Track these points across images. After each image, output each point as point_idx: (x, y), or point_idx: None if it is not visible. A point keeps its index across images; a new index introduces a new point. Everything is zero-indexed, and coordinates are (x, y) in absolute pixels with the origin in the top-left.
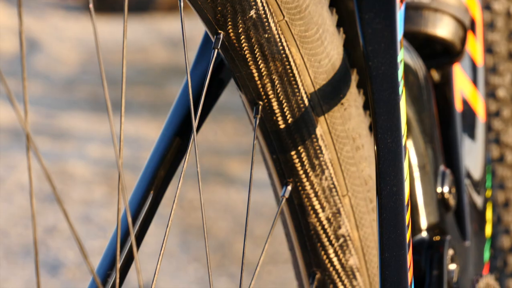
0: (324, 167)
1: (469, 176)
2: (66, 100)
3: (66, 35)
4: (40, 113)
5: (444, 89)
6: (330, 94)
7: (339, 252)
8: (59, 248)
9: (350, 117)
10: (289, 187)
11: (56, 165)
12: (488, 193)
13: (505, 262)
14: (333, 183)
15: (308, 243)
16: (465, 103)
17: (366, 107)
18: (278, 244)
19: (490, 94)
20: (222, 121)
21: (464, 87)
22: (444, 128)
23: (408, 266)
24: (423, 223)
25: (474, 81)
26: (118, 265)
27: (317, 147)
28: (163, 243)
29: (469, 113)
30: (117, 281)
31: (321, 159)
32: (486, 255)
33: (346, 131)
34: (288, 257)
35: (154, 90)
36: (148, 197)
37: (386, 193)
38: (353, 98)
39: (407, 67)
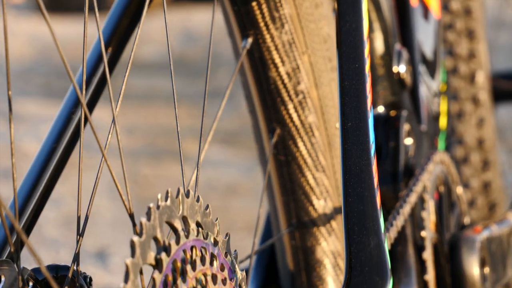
0: (284, 21)
1: (423, 60)
2: (20, 89)
3: (18, 32)
4: None
5: None
6: None
7: (298, 108)
8: None
9: None
10: (250, 39)
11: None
12: (443, 87)
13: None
14: (292, 39)
15: (268, 98)
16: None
17: None
18: None
19: (443, 6)
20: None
21: None
22: (400, 10)
23: (368, 94)
24: (380, 98)
25: None
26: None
27: (277, 0)
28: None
29: (423, 8)
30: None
31: (281, 12)
32: (441, 144)
33: None
34: None
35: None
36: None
37: (346, 29)
38: None
39: None
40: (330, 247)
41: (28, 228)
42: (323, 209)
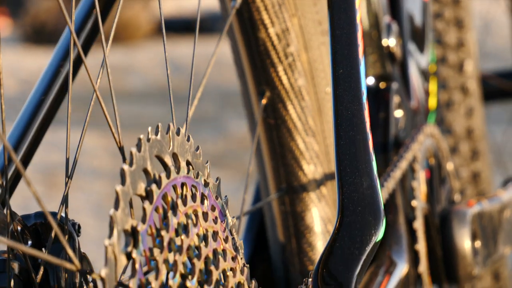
0: None
1: (413, 34)
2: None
3: (4, 64)
4: None
5: None
6: None
7: (288, 70)
8: None
9: None
10: None
11: None
12: (432, 67)
13: None
14: (282, 0)
15: (258, 60)
16: None
17: None
18: None
19: None
20: None
21: None
22: None
23: (359, 42)
24: (370, 70)
25: None
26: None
27: None
28: None
29: None
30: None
31: None
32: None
33: None
34: None
35: None
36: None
37: None
38: None
39: None
40: (320, 213)
41: (16, 178)
42: (313, 175)
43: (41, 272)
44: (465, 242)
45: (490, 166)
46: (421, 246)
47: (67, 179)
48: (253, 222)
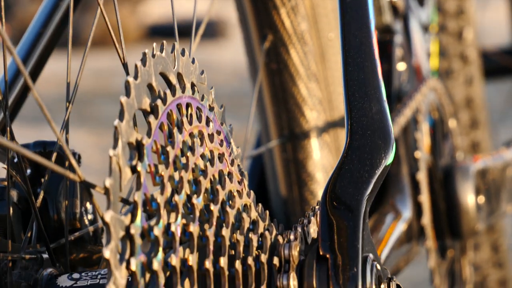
0: None
1: None
2: None
3: None
4: None
5: None
6: None
7: (291, 13)
8: None
9: None
10: None
11: None
12: (433, 27)
13: None
14: None
15: (260, 2)
16: None
17: None
18: None
19: None
20: None
21: None
22: None
23: None
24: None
25: None
26: None
27: None
28: None
29: None
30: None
31: None
32: None
33: None
34: None
35: None
36: None
37: None
38: None
39: None
40: (322, 161)
41: (16, 106)
42: (316, 121)
43: (40, 199)
44: (468, 197)
45: (489, 135)
46: (424, 198)
47: (67, 103)
48: (253, 174)
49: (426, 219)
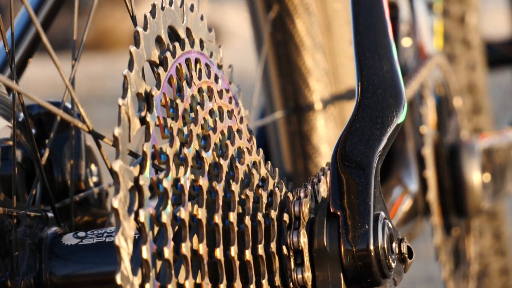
0: None
1: None
2: None
3: None
4: None
5: None
6: None
7: None
8: None
9: None
10: None
11: None
12: (437, 6)
13: None
14: None
15: None
16: None
17: None
18: None
19: None
20: None
21: None
22: None
23: None
24: None
25: None
26: None
27: None
28: None
29: None
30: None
31: None
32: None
33: None
34: None
35: None
36: None
37: None
38: None
39: None
40: (327, 133)
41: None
42: (321, 93)
43: (45, 157)
44: (474, 174)
45: (492, 121)
46: (430, 174)
47: (73, 61)
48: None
49: (432, 195)
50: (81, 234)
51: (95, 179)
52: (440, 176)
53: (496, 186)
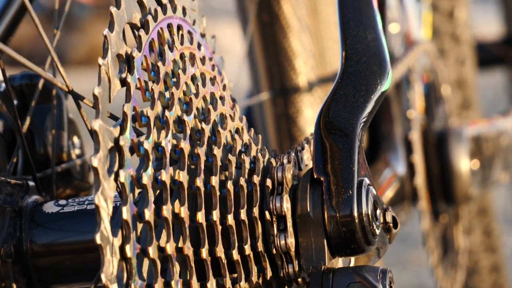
0: None
1: None
2: None
3: None
4: None
5: None
6: None
7: None
8: None
9: None
10: None
11: None
12: None
13: None
14: None
15: None
16: None
17: None
18: None
19: None
20: None
21: None
22: None
23: None
24: None
25: None
26: None
27: None
28: None
29: None
30: None
31: None
32: None
33: None
34: None
35: None
36: None
37: None
38: None
39: None
40: (314, 116)
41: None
42: (308, 76)
43: (26, 126)
44: (462, 161)
45: (481, 117)
46: (418, 158)
47: (54, 30)
48: None
49: (419, 180)
50: (62, 202)
51: (77, 151)
52: (428, 162)
53: (485, 173)
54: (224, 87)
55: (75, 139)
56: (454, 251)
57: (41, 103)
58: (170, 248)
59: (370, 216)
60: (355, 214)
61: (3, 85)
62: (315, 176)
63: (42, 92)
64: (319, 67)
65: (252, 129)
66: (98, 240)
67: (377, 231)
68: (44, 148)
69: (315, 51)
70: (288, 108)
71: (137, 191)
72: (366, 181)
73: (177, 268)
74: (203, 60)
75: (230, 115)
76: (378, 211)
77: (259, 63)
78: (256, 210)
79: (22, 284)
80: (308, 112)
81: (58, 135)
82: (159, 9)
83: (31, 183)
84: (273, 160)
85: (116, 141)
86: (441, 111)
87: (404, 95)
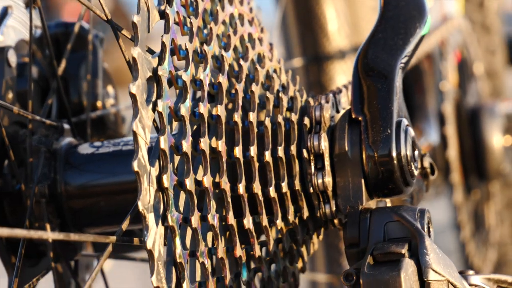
0: None
1: None
2: None
3: None
4: None
5: None
6: None
7: None
8: None
9: None
10: None
11: None
12: None
13: None
14: None
15: None
16: None
17: None
18: None
19: None
20: None
21: None
22: None
23: None
24: None
25: None
26: None
27: None
28: None
29: None
30: None
31: None
32: None
33: None
34: None
35: None
36: None
37: None
38: None
39: None
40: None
41: None
42: (341, 43)
43: (61, 68)
44: (495, 137)
45: None
46: (450, 130)
47: None
48: None
49: (452, 152)
50: (98, 143)
51: (112, 101)
52: (461, 137)
53: None
54: (262, 30)
55: (110, 89)
56: (485, 228)
57: (76, 51)
58: (207, 181)
59: (408, 157)
60: (394, 153)
61: (39, 31)
62: (353, 116)
63: (77, 39)
64: (353, 35)
65: (290, 70)
66: (135, 167)
67: (415, 172)
68: (78, 97)
69: (349, 19)
70: (321, 76)
71: (174, 124)
72: (405, 121)
73: (213, 203)
74: (241, 1)
75: (268, 56)
76: (416, 152)
77: (291, 31)
78: (293, 148)
79: (56, 225)
80: (341, 79)
81: (93, 83)
82: None
83: (66, 126)
84: (311, 100)
85: (155, 70)
86: (473, 88)
87: (437, 67)
